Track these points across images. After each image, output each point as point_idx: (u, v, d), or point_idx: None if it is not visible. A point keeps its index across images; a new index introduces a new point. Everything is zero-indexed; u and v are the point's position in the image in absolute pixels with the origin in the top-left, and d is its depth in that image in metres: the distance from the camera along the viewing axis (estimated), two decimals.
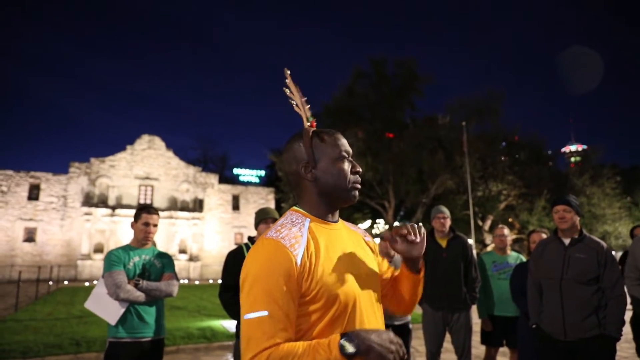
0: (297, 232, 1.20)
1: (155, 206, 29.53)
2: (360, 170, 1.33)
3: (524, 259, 4.56)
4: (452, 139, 27.21)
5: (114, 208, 32.11)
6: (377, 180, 27.82)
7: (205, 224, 35.40)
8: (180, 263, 32.09)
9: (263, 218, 3.32)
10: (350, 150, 1.34)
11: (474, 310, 4.22)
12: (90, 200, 31.96)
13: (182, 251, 33.55)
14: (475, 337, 4.61)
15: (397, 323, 4.19)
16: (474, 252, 4.44)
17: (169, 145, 35.77)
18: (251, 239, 3.43)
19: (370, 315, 1.24)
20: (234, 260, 3.22)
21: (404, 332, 4.21)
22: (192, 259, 33.41)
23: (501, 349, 4.69)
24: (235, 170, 59.90)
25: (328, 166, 1.27)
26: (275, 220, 3.24)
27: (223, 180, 42.79)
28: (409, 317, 4.32)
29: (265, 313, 1.08)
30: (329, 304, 1.15)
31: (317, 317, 1.15)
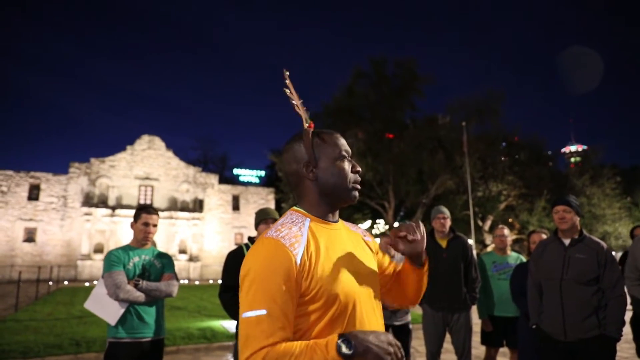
0: (297, 232, 1.21)
1: (156, 206, 29.50)
2: (360, 170, 1.34)
3: (524, 259, 4.55)
4: (452, 139, 27.22)
5: (114, 208, 32.12)
6: (377, 180, 27.82)
7: (205, 224, 35.41)
8: (180, 263, 32.10)
9: (263, 218, 3.32)
10: (350, 150, 1.35)
11: (474, 310, 4.22)
12: (90, 201, 31.98)
13: (182, 251, 33.56)
14: (476, 338, 4.60)
15: (397, 323, 4.19)
16: (474, 252, 4.44)
17: (169, 146, 35.84)
18: (251, 239, 3.43)
19: (370, 315, 1.24)
20: (234, 260, 3.22)
21: (404, 333, 4.22)
22: (192, 259, 33.41)
23: (501, 350, 4.69)
24: (235, 171, 59.97)
25: (329, 166, 1.28)
26: (275, 220, 3.24)
27: (223, 180, 42.82)
28: (409, 318, 4.32)
29: (263, 312, 1.08)
30: (329, 303, 1.15)
31: (317, 317, 1.14)
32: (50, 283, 20.35)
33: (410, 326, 4.30)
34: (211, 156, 57.20)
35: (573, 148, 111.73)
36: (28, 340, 7.20)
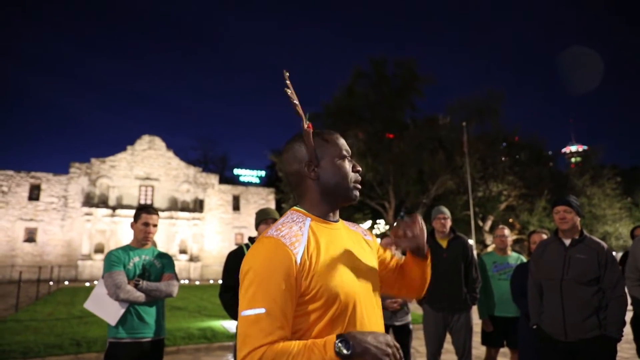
0: (297, 231, 1.21)
1: (156, 206, 29.58)
2: (361, 169, 1.35)
3: (524, 259, 4.55)
4: (452, 140, 27.23)
5: (114, 208, 32.14)
6: (378, 180, 27.83)
7: (206, 225, 35.42)
8: (181, 263, 32.11)
9: (263, 218, 3.32)
10: (350, 150, 1.36)
11: (474, 310, 4.22)
12: (90, 201, 31.99)
13: (183, 251, 33.57)
14: (476, 338, 4.60)
15: (397, 324, 4.19)
16: (475, 252, 4.44)
17: (169, 146, 35.86)
18: (252, 240, 3.43)
19: (370, 315, 1.24)
20: (235, 260, 3.22)
21: (404, 333, 4.21)
22: (192, 259, 33.42)
23: (502, 350, 4.69)
24: (236, 171, 60.02)
25: (330, 165, 1.29)
26: (275, 220, 3.23)
27: (223, 180, 42.84)
28: (410, 318, 4.32)
29: (262, 310, 1.08)
30: (329, 303, 1.15)
31: (317, 317, 1.14)
32: (51, 283, 20.36)
33: (411, 326, 4.29)
34: (211, 156, 57.35)
35: (573, 148, 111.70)
36: (28, 341, 7.21)
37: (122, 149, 34.44)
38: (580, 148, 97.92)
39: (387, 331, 4.14)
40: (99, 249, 31.11)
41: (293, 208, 1.33)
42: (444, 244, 4.19)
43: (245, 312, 1.09)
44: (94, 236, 31.27)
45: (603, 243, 3.02)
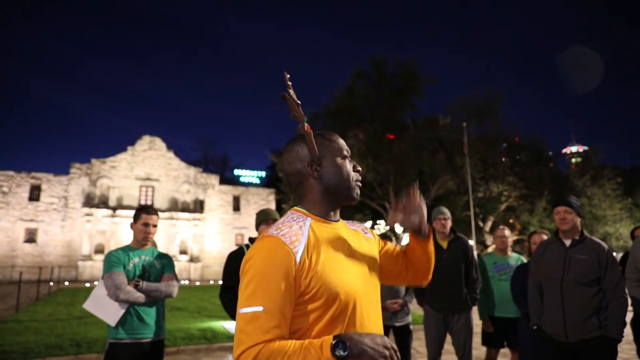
0: (297, 230, 1.21)
1: (156, 207, 29.63)
2: (361, 169, 1.37)
3: (524, 260, 4.55)
4: (452, 140, 27.25)
5: (114, 209, 32.14)
6: (378, 181, 27.84)
7: (206, 225, 35.43)
8: (181, 264, 32.12)
9: (264, 219, 3.31)
10: (350, 151, 1.37)
11: (474, 311, 4.21)
12: (91, 201, 32.00)
13: (183, 252, 33.57)
14: (476, 339, 4.59)
15: (397, 324, 4.19)
16: (475, 253, 4.43)
17: (169, 146, 35.89)
18: (252, 240, 3.43)
19: (370, 315, 1.24)
20: (235, 261, 3.21)
21: (404, 334, 4.21)
22: (192, 259, 33.42)
23: (502, 350, 4.68)
24: (236, 171, 60.08)
25: (332, 164, 1.30)
26: (276, 221, 3.23)
27: (224, 181, 42.85)
28: (410, 319, 4.31)
29: (260, 308, 1.08)
30: (329, 302, 1.15)
31: (317, 316, 1.14)
32: (51, 284, 20.36)
33: (411, 327, 4.29)
34: (212, 157, 57.40)
35: (574, 149, 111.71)
36: (29, 341, 7.21)
37: (123, 149, 34.47)
38: (581, 148, 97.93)
39: (387, 332, 4.13)
40: (99, 250, 31.11)
41: (293, 208, 1.34)
42: (444, 244, 4.18)
43: (243, 310, 1.09)
44: (94, 237, 31.28)
45: (603, 244, 3.02)
